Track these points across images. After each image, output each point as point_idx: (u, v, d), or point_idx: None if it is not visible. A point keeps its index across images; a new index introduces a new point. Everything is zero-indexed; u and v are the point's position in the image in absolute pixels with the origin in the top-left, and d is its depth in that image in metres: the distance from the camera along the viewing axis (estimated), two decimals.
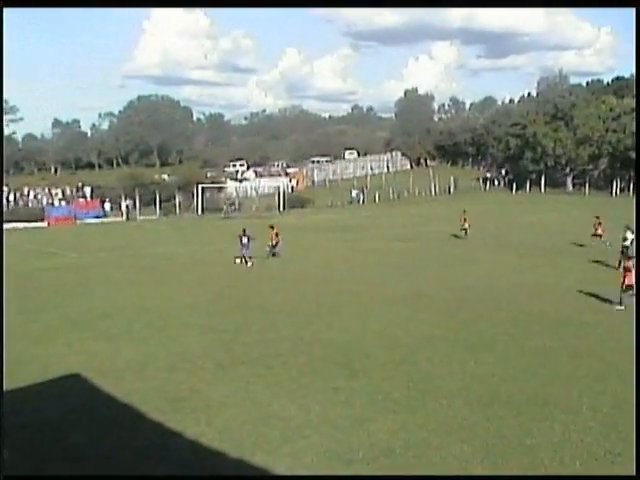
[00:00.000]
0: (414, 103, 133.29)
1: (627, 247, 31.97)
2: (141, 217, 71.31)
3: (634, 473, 10.70)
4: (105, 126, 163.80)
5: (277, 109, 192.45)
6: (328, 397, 14.62)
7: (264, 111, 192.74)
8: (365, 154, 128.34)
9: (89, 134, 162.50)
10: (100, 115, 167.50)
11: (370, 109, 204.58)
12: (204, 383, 15.83)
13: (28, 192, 74.53)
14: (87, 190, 78.43)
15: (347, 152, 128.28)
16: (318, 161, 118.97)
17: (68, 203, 73.50)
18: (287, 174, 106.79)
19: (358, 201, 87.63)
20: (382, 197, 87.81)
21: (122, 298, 26.71)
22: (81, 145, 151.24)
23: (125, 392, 15.14)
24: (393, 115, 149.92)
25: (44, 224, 65.61)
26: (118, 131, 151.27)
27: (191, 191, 77.91)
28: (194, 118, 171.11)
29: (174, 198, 77.15)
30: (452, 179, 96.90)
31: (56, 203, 72.83)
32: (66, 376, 16.53)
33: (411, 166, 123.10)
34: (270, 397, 14.72)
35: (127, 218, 71.15)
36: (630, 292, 23.02)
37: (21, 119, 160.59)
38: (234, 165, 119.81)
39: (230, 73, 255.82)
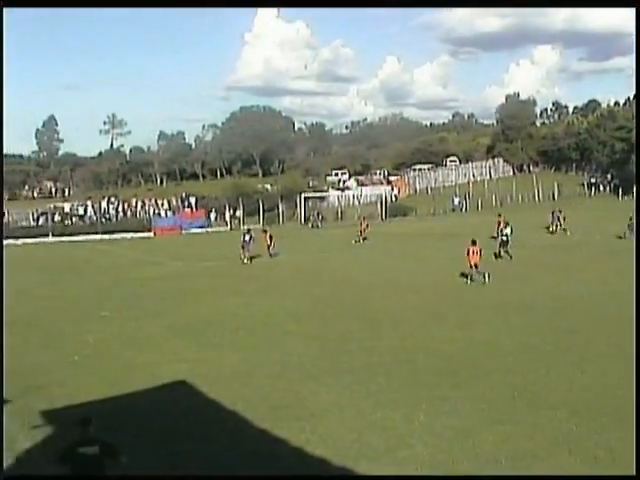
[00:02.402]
0: (516, 108, 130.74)
1: (505, 240, 39.38)
2: (245, 227, 71.98)
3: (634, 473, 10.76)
4: (209, 137, 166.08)
5: (377, 117, 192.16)
6: (432, 406, 14.53)
7: (365, 120, 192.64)
8: (467, 161, 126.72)
9: (193, 145, 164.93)
10: (204, 127, 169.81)
11: (471, 116, 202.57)
12: (308, 391, 15.94)
13: (136, 203, 76.06)
14: (192, 200, 79.62)
15: (449, 159, 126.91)
16: (420, 169, 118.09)
17: (174, 213, 74.82)
18: (389, 182, 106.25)
19: (460, 209, 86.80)
20: (484, 204, 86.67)
21: (226, 306, 27.14)
22: (185, 156, 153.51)
23: (231, 399, 15.37)
24: (494, 121, 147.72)
25: (151, 234, 67.13)
26: (221, 142, 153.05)
27: (294, 200, 78.55)
28: (295, 128, 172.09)
29: (277, 207, 77.69)
30: (556, 185, 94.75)
31: (162, 214, 74.20)
32: (173, 383, 16.90)
33: (514, 172, 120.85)
34: (374, 406, 14.72)
35: (231, 228, 72.01)
36: (477, 270, 31.36)
37: (129, 132, 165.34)
38: (336, 174, 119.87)
39: (330, 82, 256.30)
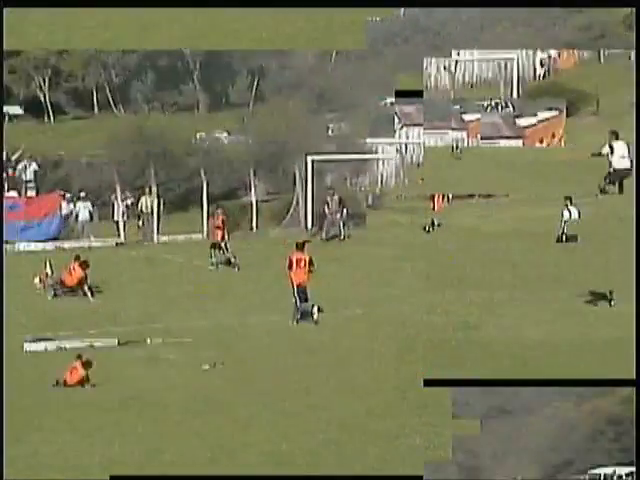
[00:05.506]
0: None
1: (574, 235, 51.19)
2: (164, 237, 71.28)
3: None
4: None
5: None
6: None
7: None
8: None
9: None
10: None
11: None
12: None
13: None
14: (27, 169, 76.89)
15: None
16: None
17: None
18: (463, 123, 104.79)
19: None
20: None
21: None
22: (12, 58, 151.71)
23: None
24: None
25: None
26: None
27: (288, 171, 77.11)
28: None
29: (246, 189, 76.20)
30: None
31: None
32: None
33: None
34: None
35: (125, 239, 71.16)
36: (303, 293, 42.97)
37: None
38: (393, 103, 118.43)
39: None
